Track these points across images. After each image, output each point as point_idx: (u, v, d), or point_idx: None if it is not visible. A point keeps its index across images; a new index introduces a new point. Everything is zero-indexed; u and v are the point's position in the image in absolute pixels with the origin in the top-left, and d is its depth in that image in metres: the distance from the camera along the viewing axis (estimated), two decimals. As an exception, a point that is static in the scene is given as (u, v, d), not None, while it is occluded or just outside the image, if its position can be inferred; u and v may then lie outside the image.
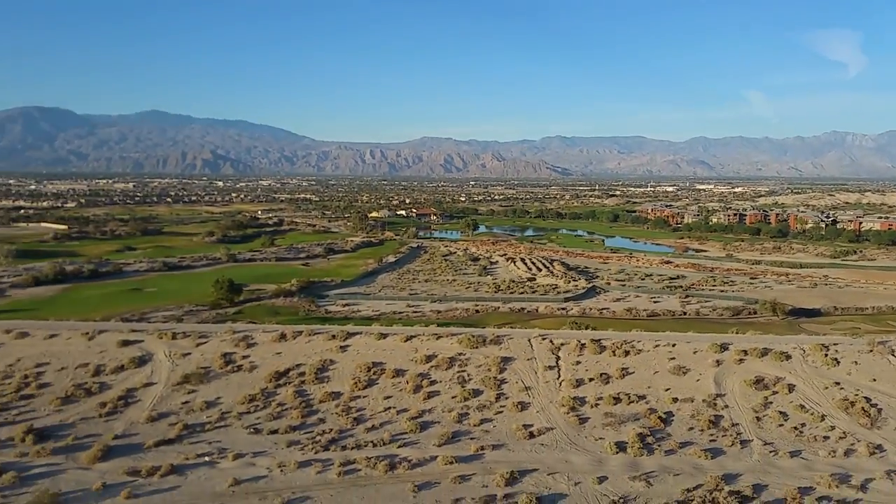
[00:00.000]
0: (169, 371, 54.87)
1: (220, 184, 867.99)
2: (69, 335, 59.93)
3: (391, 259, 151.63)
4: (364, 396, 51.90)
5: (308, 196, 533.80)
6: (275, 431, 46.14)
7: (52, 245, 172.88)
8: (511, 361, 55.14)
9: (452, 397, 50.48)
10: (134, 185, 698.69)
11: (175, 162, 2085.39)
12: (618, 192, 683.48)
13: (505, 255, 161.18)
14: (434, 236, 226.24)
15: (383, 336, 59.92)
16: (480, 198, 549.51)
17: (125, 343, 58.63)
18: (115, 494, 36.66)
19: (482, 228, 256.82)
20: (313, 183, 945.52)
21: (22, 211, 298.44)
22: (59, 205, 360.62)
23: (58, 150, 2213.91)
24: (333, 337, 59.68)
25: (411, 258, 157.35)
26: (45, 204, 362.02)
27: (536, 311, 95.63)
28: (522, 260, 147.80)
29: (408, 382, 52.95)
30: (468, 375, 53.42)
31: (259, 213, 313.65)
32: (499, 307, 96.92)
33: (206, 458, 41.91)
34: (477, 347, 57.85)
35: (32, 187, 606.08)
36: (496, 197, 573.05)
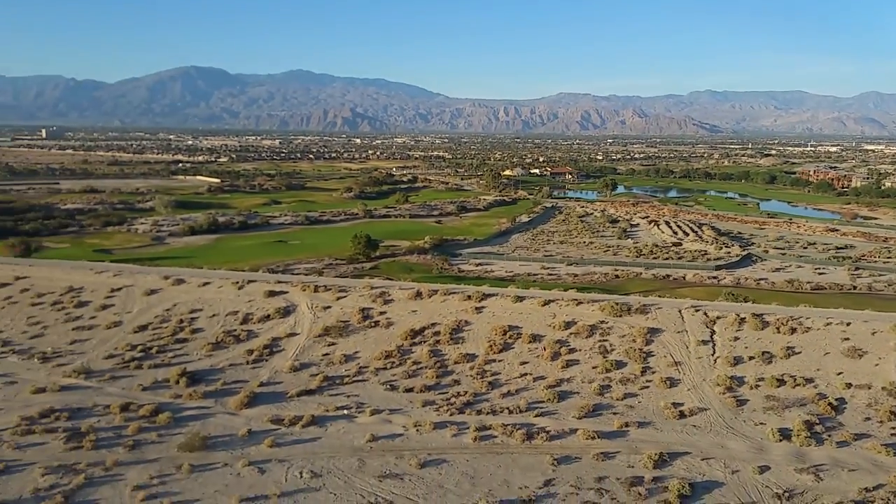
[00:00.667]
0: (311, 323, 56.01)
1: (358, 141, 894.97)
2: (220, 284, 62.76)
3: (525, 219, 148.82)
4: (499, 360, 50.42)
5: (441, 154, 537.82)
6: (410, 390, 45.79)
7: (206, 197, 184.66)
8: (659, 333, 51.42)
9: (593, 367, 47.83)
10: (280, 142, 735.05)
11: (317, 120, 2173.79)
12: (773, 152, 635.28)
13: (647, 217, 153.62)
14: (570, 196, 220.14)
15: (520, 299, 57.93)
16: (619, 156, 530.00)
17: (271, 294, 60.54)
18: (259, 441, 37.54)
19: (621, 189, 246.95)
20: (446, 140, 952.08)
21: (180, 165, 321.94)
22: (213, 159, 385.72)
23: (212, 108, 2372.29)
24: (469, 298, 58.48)
25: (546, 218, 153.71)
26: (200, 158, 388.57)
27: (684, 279, 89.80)
28: (667, 223, 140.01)
29: (545, 349, 50.84)
30: (610, 345, 50.41)
31: (393, 169, 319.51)
32: (641, 273, 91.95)
33: (345, 412, 42.17)
34: (620, 316, 54.50)
35: (189, 143, 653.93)
36: (636, 155, 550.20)
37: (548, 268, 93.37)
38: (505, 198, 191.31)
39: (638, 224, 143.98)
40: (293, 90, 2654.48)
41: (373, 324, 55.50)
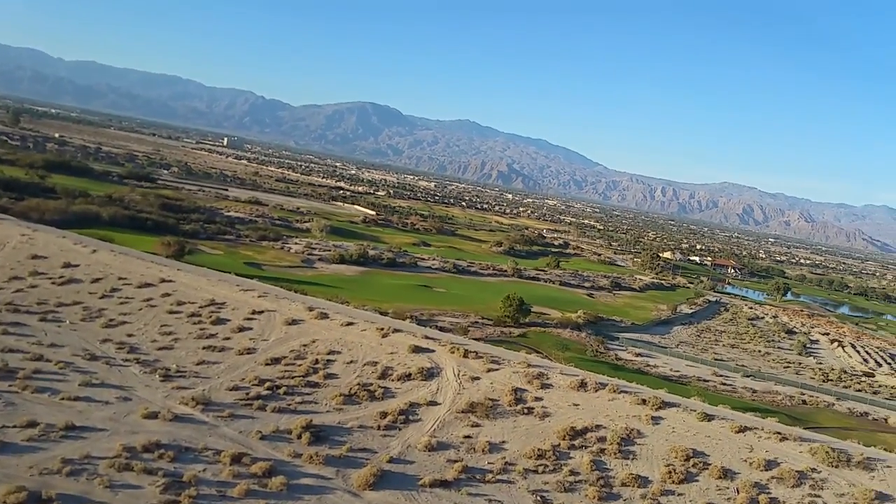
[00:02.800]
0: (455, 393, 48.62)
1: (510, 196, 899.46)
2: (364, 327, 57.08)
3: (686, 310, 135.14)
4: (679, 494, 40.15)
5: (592, 223, 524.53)
6: (567, 512, 36.85)
7: (360, 227, 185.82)
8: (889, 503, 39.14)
9: (808, 536, 36.55)
10: (435, 185, 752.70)
11: (474, 169, 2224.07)
12: None
13: (827, 333, 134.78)
14: (732, 292, 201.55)
15: (708, 417, 47.31)
16: (783, 258, 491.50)
17: (416, 349, 53.93)
18: (380, 546, 30.10)
19: (790, 295, 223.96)
20: (597, 210, 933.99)
21: (341, 192, 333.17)
22: (371, 191, 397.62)
23: (380, 143, 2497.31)
24: (644, 402, 48.68)
25: (710, 314, 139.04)
26: (360, 189, 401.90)
27: (885, 421, 74.18)
28: (853, 346, 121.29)
29: (738, 492, 39.97)
30: (829, 508, 38.80)
31: (544, 231, 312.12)
32: (833, 404, 77.11)
33: (486, 526, 33.97)
34: (837, 467, 42.53)
35: (353, 172, 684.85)
36: (802, 261, 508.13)
37: (720, 375, 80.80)
38: (663, 281, 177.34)
39: (818, 340, 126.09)
40: (457, 138, 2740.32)
41: (525, 410, 47.12)
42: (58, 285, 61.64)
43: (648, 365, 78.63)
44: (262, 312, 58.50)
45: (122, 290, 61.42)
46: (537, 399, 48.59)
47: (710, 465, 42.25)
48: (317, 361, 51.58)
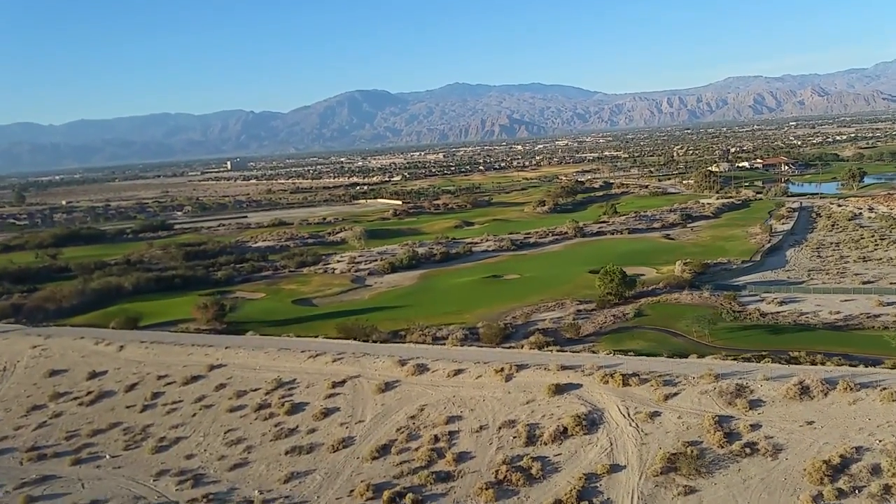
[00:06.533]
0: (637, 444, 35.27)
1: (519, 147, 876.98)
2: (478, 372, 43.90)
3: (779, 226, 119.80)
4: None
5: (615, 153, 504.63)
6: None
7: (393, 223, 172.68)
8: None
9: None
10: (443, 156, 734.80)
11: (475, 130, 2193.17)
12: None
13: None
14: (804, 191, 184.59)
15: None
16: (817, 139, 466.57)
17: (558, 389, 40.68)
18: None
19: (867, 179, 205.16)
20: (610, 139, 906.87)
21: (358, 187, 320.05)
22: (387, 179, 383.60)
23: (377, 128, 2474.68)
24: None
25: (805, 224, 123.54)
26: (374, 179, 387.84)
27: None
28: None
29: None
30: None
31: (575, 175, 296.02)
32: None
33: None
34: None
35: (360, 163, 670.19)
36: (837, 137, 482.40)
37: (885, 304, 66.25)
38: (733, 200, 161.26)
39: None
40: (451, 103, 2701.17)
41: (747, 448, 33.65)
42: (87, 405, 49.51)
43: (802, 314, 64.44)
44: (344, 382, 45.67)
45: (166, 393, 49.07)
46: (753, 427, 35.05)
47: None
48: (436, 439, 38.63)
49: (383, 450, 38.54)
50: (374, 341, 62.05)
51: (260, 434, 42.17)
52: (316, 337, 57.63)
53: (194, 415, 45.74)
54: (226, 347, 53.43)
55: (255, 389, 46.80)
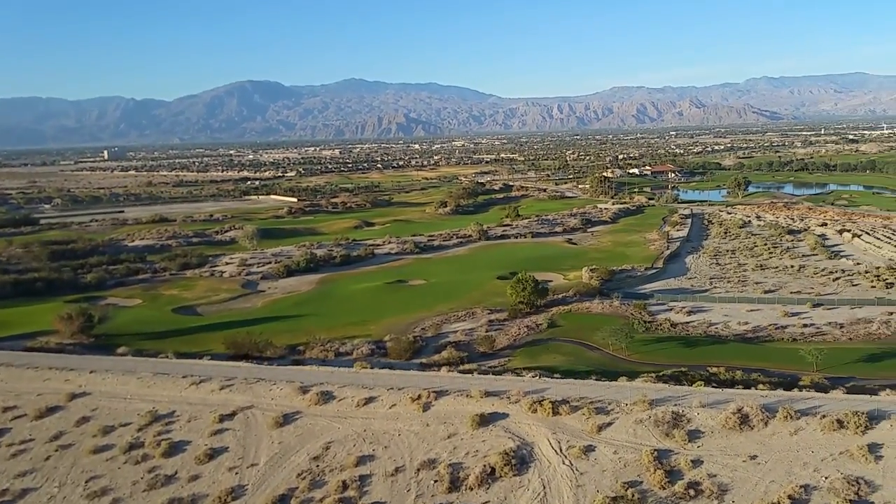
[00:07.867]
0: (573, 486, 31.29)
1: (417, 147, 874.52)
2: (392, 401, 38.71)
3: (676, 233, 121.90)
4: None
5: (510, 156, 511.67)
6: None
7: (288, 221, 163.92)
8: None
9: None
10: (340, 152, 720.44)
11: (371, 127, 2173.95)
12: (851, 136, 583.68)
13: (825, 224, 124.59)
14: (692, 199, 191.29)
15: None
16: (697, 148, 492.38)
17: (482, 420, 36.16)
18: None
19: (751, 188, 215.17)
20: (505, 142, 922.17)
21: (248, 182, 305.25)
22: (280, 174, 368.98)
23: (269, 121, 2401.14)
24: (840, 425, 32.85)
25: (700, 232, 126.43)
26: (267, 174, 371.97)
27: None
28: (867, 233, 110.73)
29: None
30: None
31: (474, 176, 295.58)
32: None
33: None
34: None
35: (251, 157, 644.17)
36: (715, 147, 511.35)
37: (792, 314, 66.69)
38: (628, 205, 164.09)
39: (825, 235, 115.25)
40: (347, 99, 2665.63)
41: (690, 491, 30.39)
42: None
43: (712, 325, 63.68)
44: (233, 415, 39.18)
45: (13, 430, 40.63)
46: (695, 463, 31.91)
47: None
48: (345, 486, 33.08)
49: (281, 502, 32.61)
50: (269, 358, 55.73)
51: (130, 483, 35.03)
52: (200, 356, 50.38)
53: (48, 458, 37.80)
54: (90, 371, 45.26)
55: (126, 424, 39.37)
